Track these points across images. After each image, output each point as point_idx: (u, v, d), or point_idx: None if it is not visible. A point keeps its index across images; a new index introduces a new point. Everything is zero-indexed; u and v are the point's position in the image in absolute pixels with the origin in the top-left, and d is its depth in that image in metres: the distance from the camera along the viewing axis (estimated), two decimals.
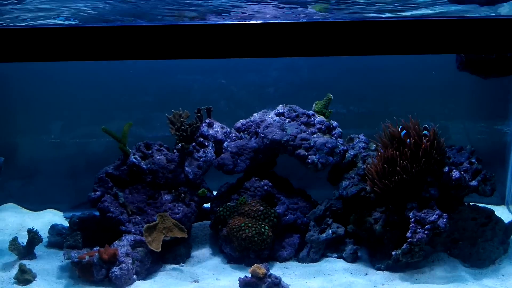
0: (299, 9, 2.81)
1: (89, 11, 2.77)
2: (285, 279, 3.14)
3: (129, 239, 3.34)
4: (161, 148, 3.78)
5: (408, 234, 3.16)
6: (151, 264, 3.34)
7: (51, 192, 4.39)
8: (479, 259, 3.33)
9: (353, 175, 3.66)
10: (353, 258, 3.49)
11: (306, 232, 3.55)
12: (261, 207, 3.49)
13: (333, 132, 3.81)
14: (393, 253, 3.22)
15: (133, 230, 3.45)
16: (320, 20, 2.19)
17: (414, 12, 2.82)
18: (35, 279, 3.23)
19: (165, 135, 4.01)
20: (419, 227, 3.16)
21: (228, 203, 3.65)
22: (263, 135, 3.74)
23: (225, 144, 3.85)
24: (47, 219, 4.15)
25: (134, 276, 3.22)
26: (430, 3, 2.71)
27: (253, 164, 3.78)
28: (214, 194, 3.88)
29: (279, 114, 3.86)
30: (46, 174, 4.41)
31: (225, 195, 3.81)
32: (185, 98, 4.33)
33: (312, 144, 3.64)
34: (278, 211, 3.56)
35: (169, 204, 3.60)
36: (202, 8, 2.77)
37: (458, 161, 3.50)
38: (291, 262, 3.53)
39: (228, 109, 4.37)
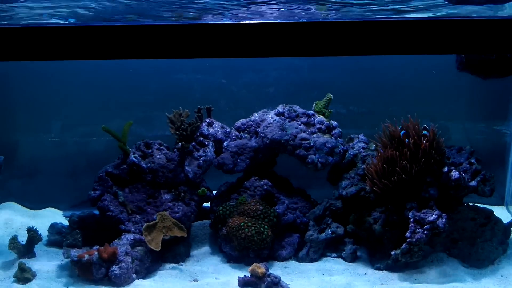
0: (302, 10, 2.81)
1: (88, 10, 2.77)
2: (284, 279, 3.14)
3: (128, 238, 3.34)
4: (161, 147, 3.78)
5: (407, 234, 3.16)
6: (150, 263, 3.35)
7: (51, 191, 4.39)
8: (478, 259, 3.34)
9: (352, 175, 3.66)
10: (352, 258, 3.49)
11: (306, 232, 3.56)
12: (261, 207, 3.50)
13: (333, 132, 3.81)
14: (393, 253, 3.23)
15: (132, 229, 3.45)
16: (320, 20, 2.19)
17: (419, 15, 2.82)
18: (35, 277, 3.23)
19: (165, 134, 4.01)
20: (418, 227, 3.16)
21: (227, 203, 3.66)
22: (263, 135, 3.75)
23: (225, 143, 3.85)
24: (47, 218, 4.15)
25: (134, 275, 3.22)
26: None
27: (253, 163, 3.79)
28: (214, 194, 3.88)
29: (279, 114, 3.86)
30: (46, 173, 4.42)
31: (224, 194, 3.82)
32: (185, 97, 4.34)
33: (312, 144, 3.65)
34: (277, 210, 3.56)
35: (169, 203, 3.60)
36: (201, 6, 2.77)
37: (458, 162, 3.50)
38: (290, 261, 3.53)
39: (228, 109, 4.37)
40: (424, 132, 3.26)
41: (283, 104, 3.94)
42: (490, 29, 2.05)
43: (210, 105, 4.00)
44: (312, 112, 3.87)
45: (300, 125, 3.77)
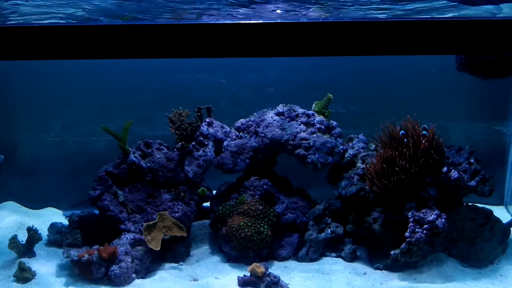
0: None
1: (86, 9, 2.78)
2: (284, 278, 3.14)
3: (128, 237, 3.35)
4: (161, 147, 3.79)
5: (406, 234, 3.16)
6: (150, 263, 3.35)
7: (51, 191, 4.39)
8: (478, 259, 3.34)
9: (352, 175, 3.67)
10: (352, 258, 3.49)
11: (305, 232, 3.56)
12: (261, 206, 3.50)
13: (333, 132, 3.82)
14: (392, 252, 3.23)
15: (132, 229, 3.46)
16: (320, 20, 2.20)
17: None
18: (35, 277, 3.24)
19: (165, 134, 4.01)
20: (417, 227, 3.16)
21: (227, 202, 3.66)
22: (263, 135, 3.75)
23: (225, 143, 3.85)
24: (47, 218, 4.16)
25: (133, 274, 3.23)
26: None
27: (252, 163, 3.79)
28: (214, 193, 3.88)
29: (279, 114, 3.86)
30: (46, 173, 4.42)
31: (224, 194, 3.82)
32: (185, 97, 4.34)
33: (311, 144, 3.65)
34: (277, 210, 3.56)
35: (169, 203, 3.60)
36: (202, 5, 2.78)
37: (457, 162, 3.50)
38: (290, 261, 3.53)
39: (228, 109, 4.37)
40: (424, 132, 3.26)
41: (283, 104, 3.94)
42: (490, 30, 2.06)
43: (210, 105, 4.00)
44: (312, 112, 3.88)
45: (300, 125, 3.77)
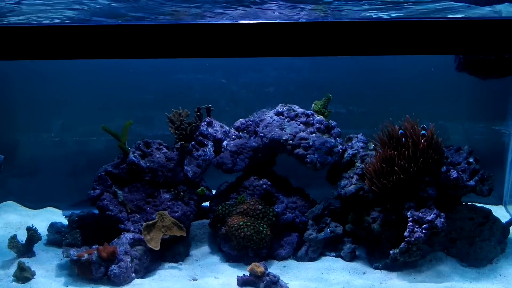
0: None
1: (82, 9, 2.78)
2: (283, 278, 3.15)
3: (128, 237, 3.35)
4: (161, 146, 3.79)
5: (405, 234, 3.17)
6: (149, 263, 3.36)
7: (50, 190, 4.40)
8: (477, 259, 3.34)
9: (351, 175, 3.67)
10: (351, 257, 3.50)
11: (305, 231, 3.56)
12: (260, 206, 3.50)
13: (332, 131, 3.82)
14: (391, 252, 3.24)
15: (132, 229, 3.46)
16: (320, 20, 2.20)
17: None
18: (34, 277, 3.24)
19: (164, 134, 4.02)
20: (417, 226, 3.17)
21: (227, 202, 3.66)
22: (262, 134, 3.75)
23: (225, 143, 3.86)
24: (47, 217, 4.16)
25: (133, 274, 3.23)
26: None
27: (252, 163, 3.79)
28: (213, 193, 3.89)
29: (278, 114, 3.87)
30: (46, 172, 4.43)
31: (224, 194, 3.82)
32: (185, 97, 4.35)
33: (311, 144, 3.66)
34: (276, 210, 3.57)
35: (168, 203, 3.61)
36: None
37: (456, 161, 3.51)
38: (289, 260, 3.54)
39: (228, 108, 4.38)
40: (423, 132, 3.26)
41: (283, 103, 3.94)
42: (490, 30, 2.06)
43: (210, 105, 4.01)
44: (311, 111, 3.88)
45: (299, 124, 3.78)
